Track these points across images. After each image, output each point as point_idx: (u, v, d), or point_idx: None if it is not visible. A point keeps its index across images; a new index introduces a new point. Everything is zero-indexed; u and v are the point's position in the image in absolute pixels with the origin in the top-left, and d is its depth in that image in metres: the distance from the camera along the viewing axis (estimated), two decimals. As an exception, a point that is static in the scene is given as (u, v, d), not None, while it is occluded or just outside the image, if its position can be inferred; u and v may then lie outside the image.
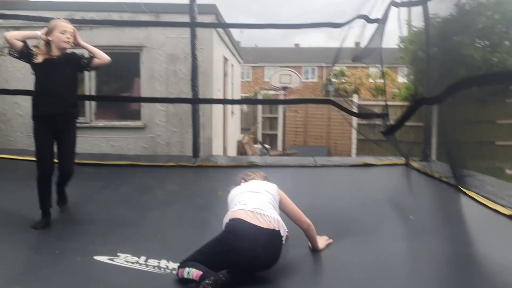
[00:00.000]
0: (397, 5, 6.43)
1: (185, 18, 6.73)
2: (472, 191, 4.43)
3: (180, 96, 7.69)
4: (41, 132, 3.56)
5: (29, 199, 3.69)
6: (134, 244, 3.19)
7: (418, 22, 12.58)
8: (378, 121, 6.94)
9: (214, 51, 8.19)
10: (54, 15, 7.12)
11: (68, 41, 3.61)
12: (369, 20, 6.38)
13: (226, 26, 9.38)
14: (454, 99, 4.34)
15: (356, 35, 6.72)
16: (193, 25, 6.47)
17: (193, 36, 6.42)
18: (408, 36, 14.92)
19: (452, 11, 8.17)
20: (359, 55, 6.99)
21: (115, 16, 7.68)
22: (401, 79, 24.83)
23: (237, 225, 2.66)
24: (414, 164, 6.16)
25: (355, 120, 13.97)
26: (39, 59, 3.51)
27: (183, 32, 7.17)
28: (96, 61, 3.80)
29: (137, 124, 8.07)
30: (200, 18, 6.75)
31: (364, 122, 10.73)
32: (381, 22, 6.28)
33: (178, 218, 4.01)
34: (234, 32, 11.16)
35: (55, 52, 3.57)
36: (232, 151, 12.07)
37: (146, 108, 8.03)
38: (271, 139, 17.80)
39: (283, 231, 2.73)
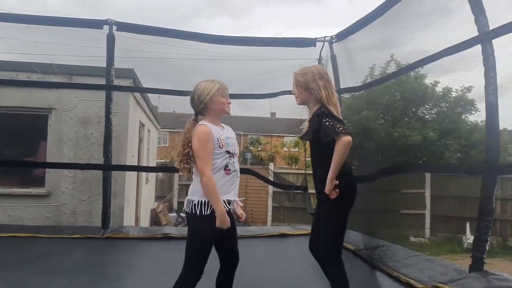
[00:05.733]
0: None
1: (100, 81, 6.49)
2: (385, 265, 4.43)
3: (90, 161, 7.23)
4: None
5: None
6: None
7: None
8: (297, 193, 7.01)
9: (130, 116, 7.93)
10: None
11: None
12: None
13: (143, 90, 9.17)
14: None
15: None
16: (109, 88, 6.21)
17: (109, 100, 6.15)
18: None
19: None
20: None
21: (22, 76, 7.23)
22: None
23: None
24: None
25: (271, 188, 14.10)
26: None
27: (97, 95, 6.89)
28: None
29: (39, 191, 7.40)
30: (117, 82, 6.54)
31: (279, 190, 10.85)
32: None
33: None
34: (152, 97, 10.96)
35: None
36: (145, 221, 11.48)
37: (51, 174, 7.43)
38: (187, 206, 17.26)
39: None
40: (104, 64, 6.24)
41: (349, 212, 3.03)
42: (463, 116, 15.80)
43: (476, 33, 3.72)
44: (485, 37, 3.64)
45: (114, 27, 6.09)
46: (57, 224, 7.16)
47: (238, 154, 2.97)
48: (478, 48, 3.76)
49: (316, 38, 6.59)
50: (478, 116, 15.39)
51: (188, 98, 2.98)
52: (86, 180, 7.37)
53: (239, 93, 7.09)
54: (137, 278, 4.25)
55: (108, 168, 6.20)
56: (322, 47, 6.65)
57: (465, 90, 15.41)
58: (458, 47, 3.96)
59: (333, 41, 6.47)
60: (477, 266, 3.61)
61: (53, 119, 7.53)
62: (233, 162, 2.89)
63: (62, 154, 7.38)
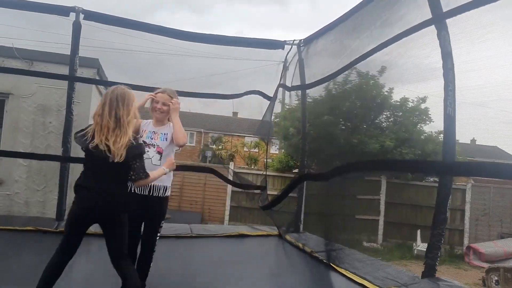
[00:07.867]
0: (288, 89, 6.89)
1: (63, 69, 6.30)
2: (341, 267, 4.54)
3: (47, 151, 7.01)
4: None
5: None
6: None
7: (290, 100, 13.57)
8: (257, 192, 7.06)
9: (92, 106, 7.72)
10: None
11: None
12: (265, 97, 6.73)
13: (107, 83, 8.94)
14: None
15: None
16: (72, 79, 6.02)
17: (71, 89, 5.97)
18: (282, 113, 15.84)
19: (322, 93, 8.92)
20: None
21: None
22: (274, 150, 26.13)
23: None
24: (288, 237, 6.27)
25: (229, 188, 14.12)
26: None
27: (58, 82, 6.68)
28: None
29: (-10, 179, 7.10)
30: (80, 71, 6.36)
31: (238, 189, 10.90)
32: (273, 100, 6.64)
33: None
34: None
35: None
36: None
37: (4, 162, 7.14)
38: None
39: None
40: (66, 51, 6.07)
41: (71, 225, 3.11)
42: (418, 126, 16.30)
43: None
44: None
45: (81, 15, 5.93)
46: (8, 214, 6.89)
47: (159, 147, 3.60)
48: (437, 61, 3.91)
49: (285, 40, 6.65)
50: (431, 127, 15.96)
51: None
52: (42, 169, 7.13)
53: (203, 92, 7.06)
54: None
55: (67, 160, 6.01)
56: (290, 50, 6.73)
57: (421, 101, 15.92)
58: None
59: (301, 45, 6.55)
60: (429, 272, 3.75)
61: (10, 105, 7.25)
62: (148, 151, 3.50)
63: (17, 141, 7.11)
